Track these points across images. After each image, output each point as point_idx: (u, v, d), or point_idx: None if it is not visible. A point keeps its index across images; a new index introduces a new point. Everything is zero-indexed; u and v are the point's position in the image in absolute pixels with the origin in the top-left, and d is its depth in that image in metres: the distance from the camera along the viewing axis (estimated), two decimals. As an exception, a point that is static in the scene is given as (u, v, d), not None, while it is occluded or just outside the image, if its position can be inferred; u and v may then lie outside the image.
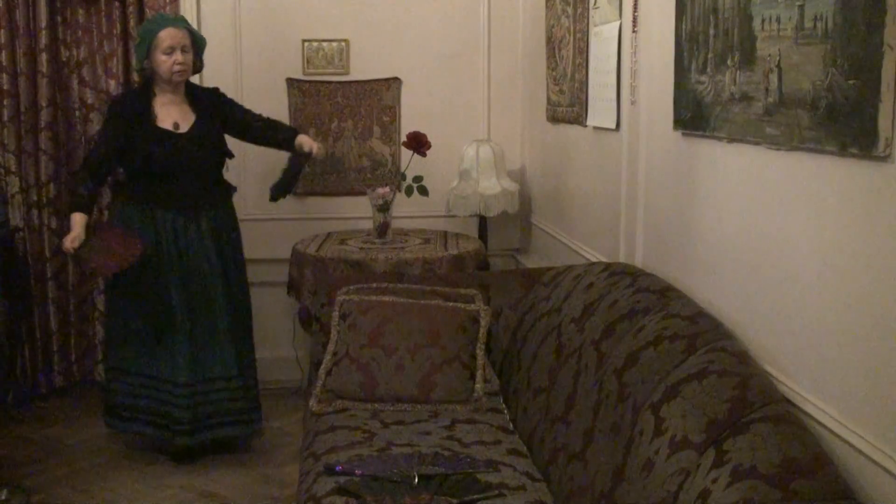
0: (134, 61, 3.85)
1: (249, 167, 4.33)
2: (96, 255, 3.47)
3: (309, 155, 3.64)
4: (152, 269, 3.51)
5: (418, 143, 3.94)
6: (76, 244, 3.44)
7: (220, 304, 3.58)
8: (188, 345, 3.52)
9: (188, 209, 3.55)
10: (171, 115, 3.55)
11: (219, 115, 3.66)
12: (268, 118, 3.77)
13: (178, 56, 3.46)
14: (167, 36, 3.45)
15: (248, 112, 3.75)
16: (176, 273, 3.53)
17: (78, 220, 3.50)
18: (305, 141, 3.67)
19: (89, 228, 3.53)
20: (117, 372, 3.62)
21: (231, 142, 3.76)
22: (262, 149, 4.27)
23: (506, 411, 2.84)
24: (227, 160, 3.75)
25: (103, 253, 3.47)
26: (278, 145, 3.75)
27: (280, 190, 3.68)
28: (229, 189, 3.75)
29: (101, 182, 3.69)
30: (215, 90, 3.74)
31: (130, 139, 3.52)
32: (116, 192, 3.94)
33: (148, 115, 3.53)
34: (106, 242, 3.50)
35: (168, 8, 4.11)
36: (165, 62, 3.46)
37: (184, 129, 3.55)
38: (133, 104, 3.57)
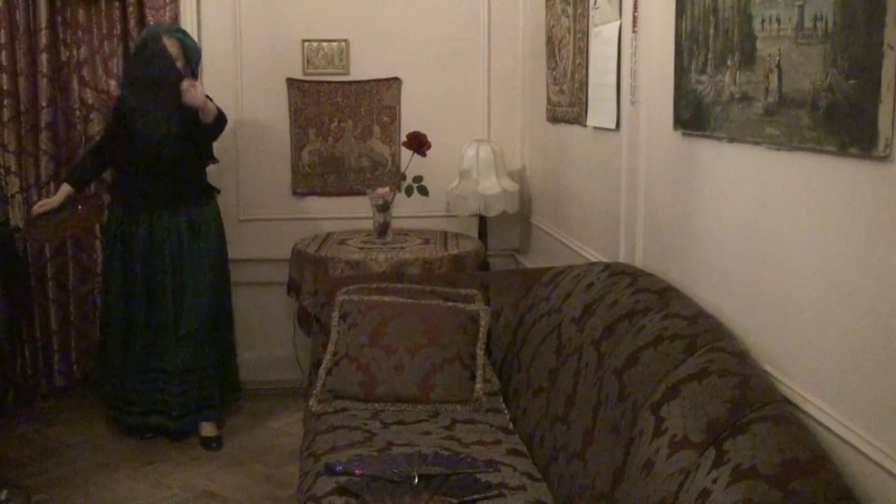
0: None
1: (247, 168, 4.34)
2: (43, 226, 3.73)
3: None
4: (131, 264, 3.72)
5: (418, 143, 3.94)
6: (41, 209, 3.71)
7: (173, 301, 3.73)
8: (162, 337, 3.74)
9: (153, 206, 3.69)
10: None
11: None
12: None
13: None
14: None
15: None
16: (160, 272, 3.71)
17: (61, 189, 3.79)
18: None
19: (70, 202, 3.79)
20: (113, 369, 3.83)
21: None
22: (257, 151, 4.28)
23: (506, 411, 2.84)
24: (212, 164, 3.89)
25: (51, 225, 3.73)
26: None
27: None
28: (200, 193, 3.84)
29: (98, 166, 3.89)
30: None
31: (119, 136, 3.71)
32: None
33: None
34: (66, 216, 3.75)
35: (168, 8, 4.12)
36: None
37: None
38: None
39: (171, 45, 3.60)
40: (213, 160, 3.88)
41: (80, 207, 3.82)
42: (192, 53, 3.69)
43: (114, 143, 3.77)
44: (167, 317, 3.72)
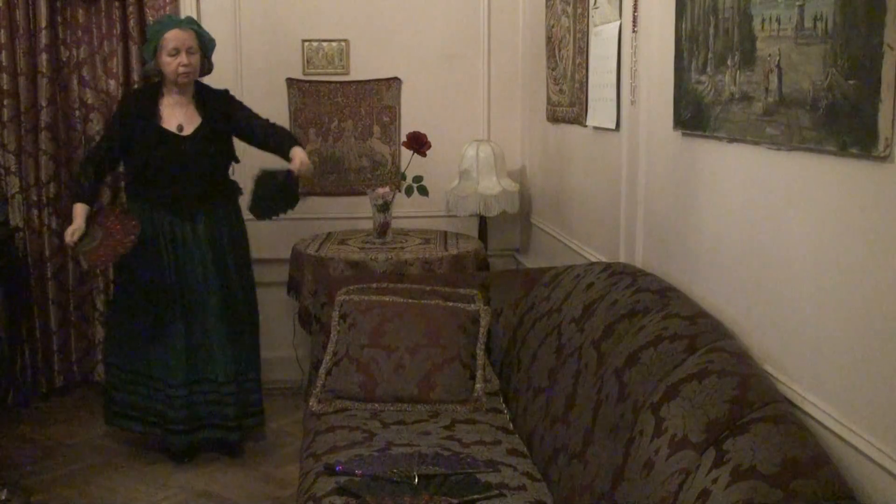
0: (143, 62, 3.73)
1: (247, 169, 4.33)
2: (94, 249, 3.50)
3: (291, 173, 3.51)
4: (150, 269, 3.53)
5: (418, 143, 3.94)
6: (76, 237, 3.47)
7: (214, 307, 3.56)
8: (184, 345, 3.54)
9: (185, 211, 3.55)
10: (176, 116, 3.55)
11: (226, 117, 3.63)
12: (271, 123, 3.68)
13: (182, 58, 3.46)
14: (172, 37, 3.46)
15: (252, 116, 3.67)
16: (173, 274, 3.55)
17: (79, 210, 3.52)
18: (297, 154, 3.51)
19: (90, 219, 3.53)
20: (115, 369, 3.66)
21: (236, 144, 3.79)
22: (257, 151, 4.25)
23: (506, 411, 2.84)
24: (233, 164, 3.75)
25: (102, 242, 3.50)
26: (275, 151, 3.66)
27: (265, 208, 3.58)
28: (233, 191, 3.73)
29: (103, 175, 3.71)
30: (225, 92, 3.71)
31: (134, 139, 3.54)
32: (125, 190, 3.93)
33: (153, 115, 3.54)
34: (106, 229, 3.53)
35: (168, 8, 4.12)
36: (170, 63, 3.46)
37: (188, 131, 3.54)
38: (140, 103, 3.59)
39: (189, 39, 3.47)
40: (235, 160, 3.75)
41: (109, 222, 3.55)
42: (208, 44, 3.59)
43: (113, 151, 3.59)
44: (213, 323, 3.55)
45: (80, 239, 3.49)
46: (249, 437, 3.77)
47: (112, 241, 3.52)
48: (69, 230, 3.49)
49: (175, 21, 3.59)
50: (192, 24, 3.59)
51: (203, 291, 3.56)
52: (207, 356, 3.57)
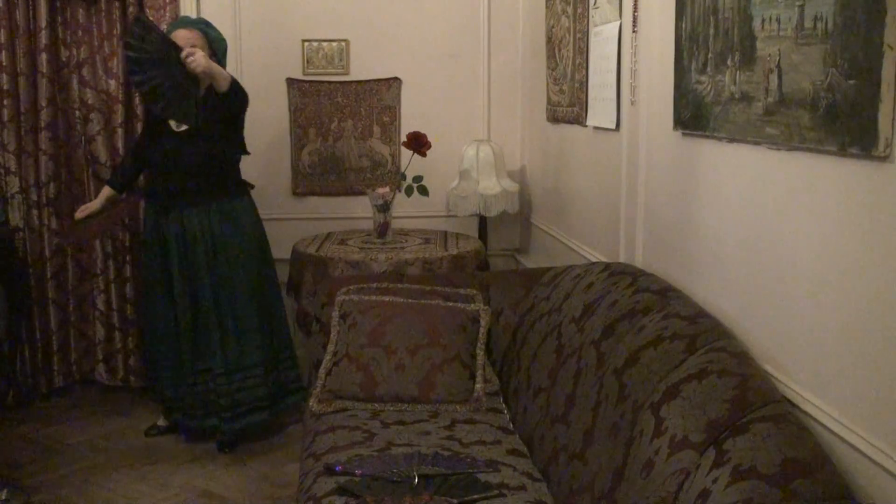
0: None
1: (247, 168, 4.33)
2: (81, 228, 3.75)
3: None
4: (148, 264, 3.73)
5: (418, 143, 3.94)
6: (83, 214, 3.72)
7: (180, 301, 3.64)
8: (174, 338, 3.69)
9: (163, 206, 3.62)
10: None
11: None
12: None
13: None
14: (176, 38, 3.51)
15: None
16: (158, 268, 3.67)
17: (102, 192, 3.82)
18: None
19: (109, 204, 3.78)
20: (159, 369, 3.80)
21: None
22: (261, 150, 4.24)
23: (506, 411, 2.84)
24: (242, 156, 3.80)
25: (93, 224, 3.73)
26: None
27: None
28: (235, 188, 3.72)
29: (137, 168, 3.85)
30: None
31: (148, 134, 3.73)
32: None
33: None
34: (105, 218, 3.76)
35: (168, 8, 4.12)
36: None
37: (182, 127, 3.58)
38: None
39: (193, 38, 3.51)
40: (244, 152, 3.76)
41: (114, 210, 3.79)
42: (217, 45, 3.63)
43: (144, 143, 3.75)
44: (209, 315, 3.62)
45: (85, 217, 3.72)
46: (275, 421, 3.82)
47: (96, 226, 3.75)
48: (82, 206, 3.78)
49: (185, 22, 3.68)
50: (199, 24, 3.66)
51: (176, 285, 3.64)
52: (223, 346, 3.68)
